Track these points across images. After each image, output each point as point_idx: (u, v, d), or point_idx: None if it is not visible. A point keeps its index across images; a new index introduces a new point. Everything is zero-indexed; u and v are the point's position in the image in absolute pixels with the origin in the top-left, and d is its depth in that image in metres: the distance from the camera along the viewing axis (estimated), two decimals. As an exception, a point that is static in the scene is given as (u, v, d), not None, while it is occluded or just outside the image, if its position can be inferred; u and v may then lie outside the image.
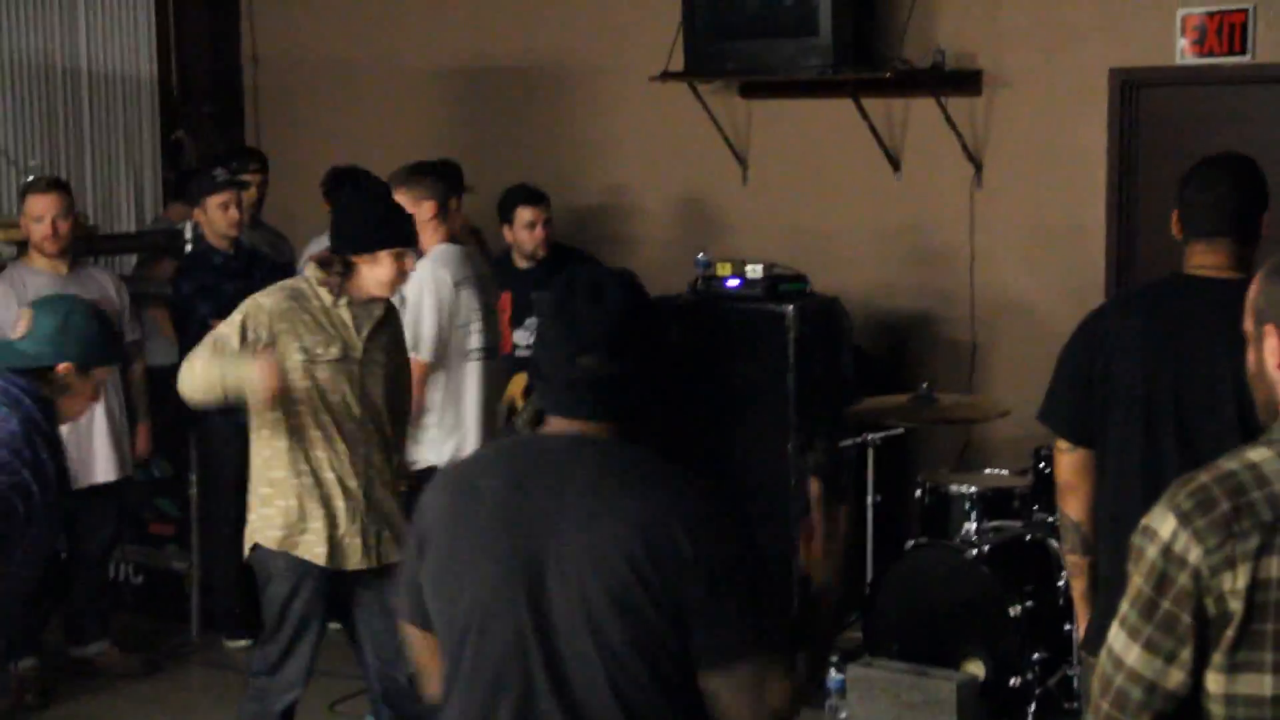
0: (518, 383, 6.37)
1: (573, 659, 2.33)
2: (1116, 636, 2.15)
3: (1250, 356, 2.26)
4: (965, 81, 6.59)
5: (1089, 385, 3.65)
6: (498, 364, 5.96)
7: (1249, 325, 2.26)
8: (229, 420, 6.35)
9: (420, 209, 5.52)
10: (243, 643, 6.38)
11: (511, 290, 6.41)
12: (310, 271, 4.67)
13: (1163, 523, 2.13)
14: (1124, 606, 2.16)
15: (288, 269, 7.11)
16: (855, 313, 6.54)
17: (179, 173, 7.98)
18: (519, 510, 2.38)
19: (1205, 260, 3.59)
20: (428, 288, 5.52)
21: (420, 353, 5.46)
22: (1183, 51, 6.08)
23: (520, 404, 6.36)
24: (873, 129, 6.75)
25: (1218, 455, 2.20)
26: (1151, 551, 2.13)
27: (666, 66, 7.00)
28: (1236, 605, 2.08)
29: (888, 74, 6.54)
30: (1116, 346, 3.63)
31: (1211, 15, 6.00)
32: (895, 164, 6.85)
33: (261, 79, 8.71)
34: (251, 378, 4.46)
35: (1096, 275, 6.28)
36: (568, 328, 2.39)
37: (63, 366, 3.86)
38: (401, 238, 4.64)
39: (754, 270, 6.44)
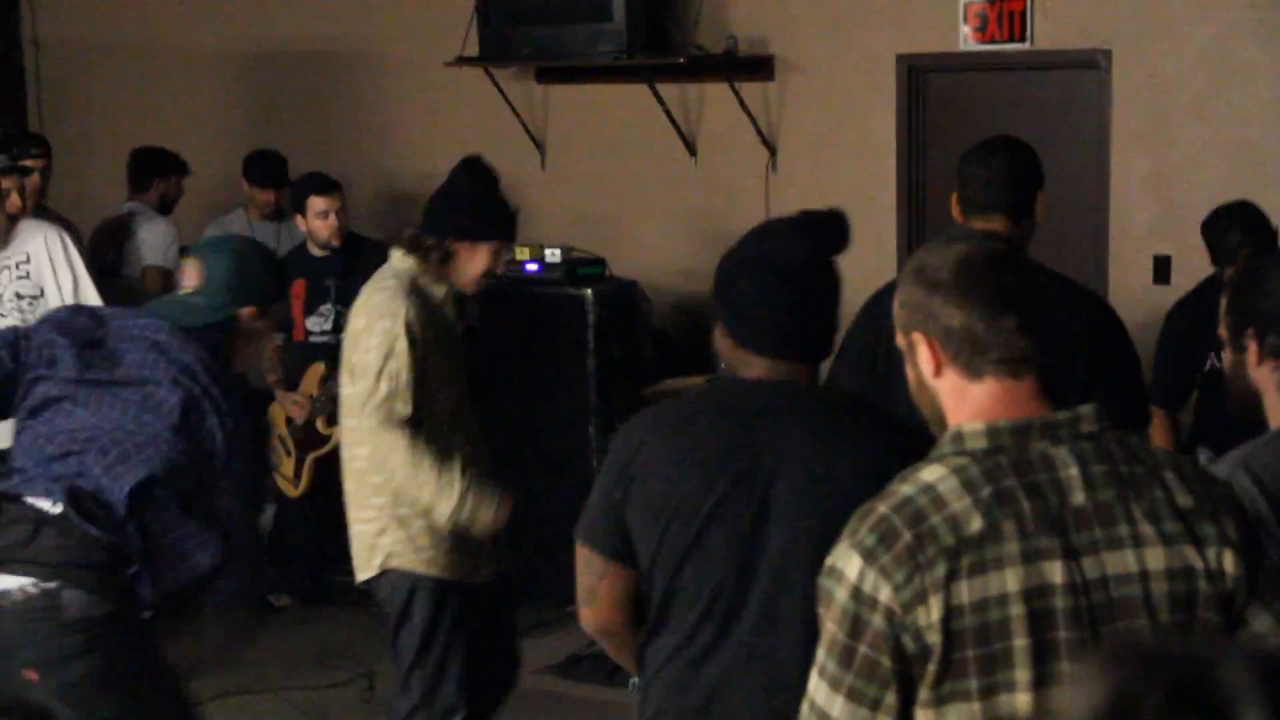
0: (314, 373, 6.30)
1: (784, 592, 2.55)
2: (818, 688, 2.02)
3: (909, 372, 2.15)
4: (758, 67, 6.70)
5: (873, 367, 3.64)
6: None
7: (899, 340, 2.16)
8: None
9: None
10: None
11: (305, 278, 6.34)
12: (407, 262, 4.20)
13: (848, 562, 2.00)
14: (820, 654, 2.02)
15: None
16: (655, 296, 6.61)
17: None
18: (743, 448, 2.58)
19: None
20: None
21: None
22: (966, 38, 6.26)
23: (316, 393, 6.30)
24: (668, 114, 6.82)
25: None
26: (840, 594, 1.99)
27: (461, 52, 6.98)
28: (935, 638, 1.96)
29: (681, 59, 6.61)
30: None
31: (992, 3, 6.19)
32: (691, 148, 6.93)
33: (44, 63, 8.47)
34: (484, 522, 4.13)
35: (888, 256, 6.43)
36: (804, 278, 2.68)
37: (246, 311, 3.53)
38: (510, 230, 4.38)
39: (552, 254, 6.46)
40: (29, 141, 7.04)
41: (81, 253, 6.00)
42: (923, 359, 2.10)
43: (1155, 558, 2.02)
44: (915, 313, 2.10)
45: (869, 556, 1.98)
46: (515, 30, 6.85)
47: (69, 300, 5.69)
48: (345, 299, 6.18)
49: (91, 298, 5.72)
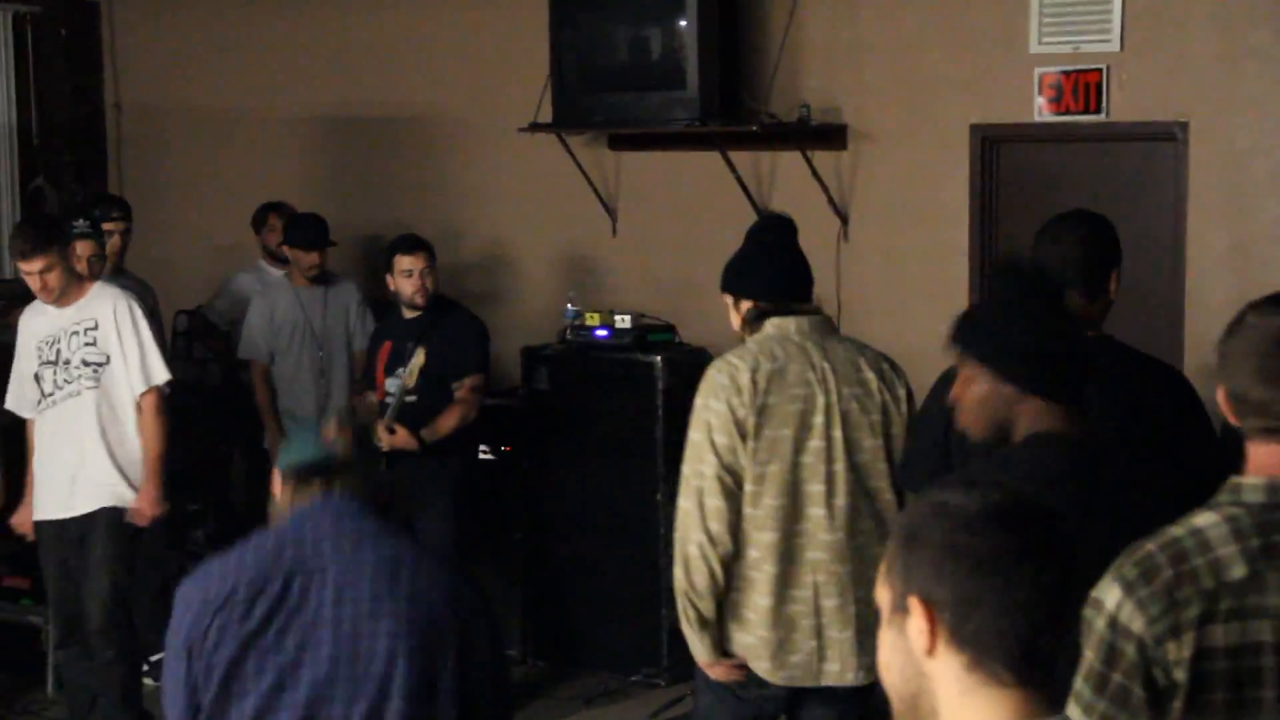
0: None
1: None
2: (1073, 711, 2.11)
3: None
4: (830, 135, 6.70)
5: (946, 442, 3.59)
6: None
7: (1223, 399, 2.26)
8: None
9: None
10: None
11: (392, 341, 6.34)
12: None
13: (1108, 593, 2.10)
14: (1078, 683, 2.11)
15: (150, 316, 7.01)
16: (723, 363, 6.57)
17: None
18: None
19: None
20: None
21: None
22: (1040, 109, 6.23)
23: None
24: (740, 181, 6.82)
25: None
26: (1099, 624, 2.09)
27: (535, 118, 7.02)
28: (1181, 675, 2.04)
29: (754, 127, 6.62)
30: None
31: (1067, 74, 6.15)
32: (762, 216, 6.92)
33: (125, 126, 8.60)
34: (709, 672, 3.94)
35: (959, 327, 6.38)
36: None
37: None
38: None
39: (622, 320, 6.47)
40: (110, 204, 7.14)
41: (150, 318, 6.07)
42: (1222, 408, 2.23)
43: None
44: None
45: (1129, 589, 2.09)
46: (589, 97, 6.88)
47: (134, 368, 5.70)
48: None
49: (155, 367, 5.75)
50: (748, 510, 3.85)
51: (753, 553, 3.85)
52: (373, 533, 2.70)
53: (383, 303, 7.69)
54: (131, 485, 5.65)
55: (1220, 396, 2.23)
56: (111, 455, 5.63)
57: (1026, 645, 1.63)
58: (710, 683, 3.94)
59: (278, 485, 2.81)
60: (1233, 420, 2.21)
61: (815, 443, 3.88)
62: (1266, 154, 5.91)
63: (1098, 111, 6.10)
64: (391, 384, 6.29)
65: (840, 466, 3.88)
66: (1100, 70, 6.09)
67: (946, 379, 3.64)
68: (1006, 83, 6.29)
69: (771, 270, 4.13)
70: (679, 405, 6.30)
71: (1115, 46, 6.07)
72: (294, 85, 8.07)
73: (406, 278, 6.32)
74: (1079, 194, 5.72)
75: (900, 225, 6.62)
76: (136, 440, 5.66)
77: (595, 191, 7.25)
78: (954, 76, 6.45)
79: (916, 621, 1.68)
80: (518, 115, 7.07)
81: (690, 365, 6.38)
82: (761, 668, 3.86)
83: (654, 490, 6.26)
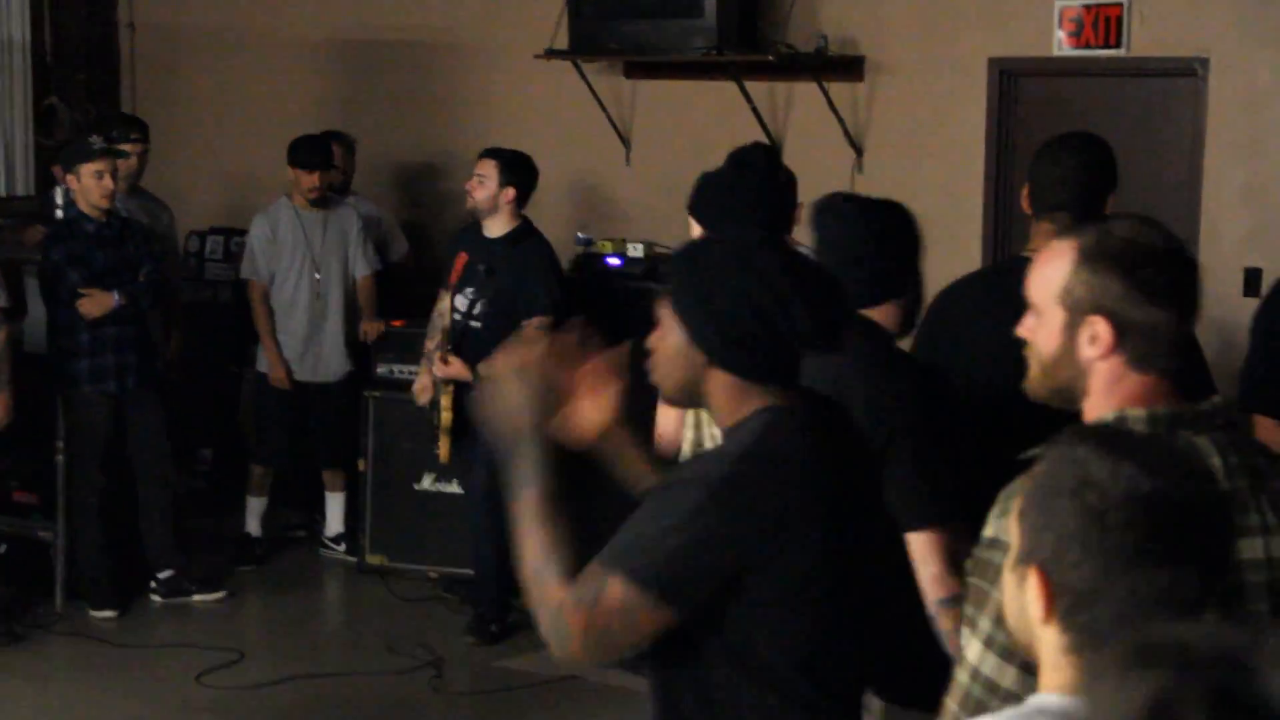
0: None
1: None
2: (984, 658, 2.09)
3: (1049, 343, 2.20)
4: (848, 67, 6.65)
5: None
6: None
7: (1054, 313, 2.20)
8: (97, 389, 6.26)
9: None
10: (108, 613, 6.28)
11: (468, 253, 6.19)
12: None
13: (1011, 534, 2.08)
14: (985, 625, 2.08)
15: (165, 238, 7.01)
16: (735, 294, 6.57)
17: (59, 140, 7.82)
18: None
19: (1043, 241, 3.40)
20: None
21: None
22: (1060, 43, 6.17)
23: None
24: (755, 111, 6.78)
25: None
26: (1001, 560, 2.01)
27: (551, 44, 6.98)
28: None
29: (771, 57, 6.57)
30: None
31: (1088, 8, 6.10)
32: (778, 147, 6.88)
33: (139, 46, 8.56)
34: None
35: (972, 260, 6.35)
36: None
37: None
38: None
39: (635, 249, 6.45)
40: (128, 125, 7.11)
41: (165, 238, 6.05)
42: (1089, 337, 2.16)
43: (1278, 546, 2.12)
44: (1105, 298, 2.15)
45: None
46: (605, 24, 6.84)
47: None
48: (487, 291, 6.08)
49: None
50: None
51: None
52: None
53: (411, 224, 7.68)
54: None
55: (1101, 325, 2.18)
56: None
57: None
58: None
59: None
60: (1105, 349, 2.17)
61: None
62: (1287, 92, 5.86)
63: (1118, 46, 6.05)
64: (460, 301, 6.16)
65: None
66: (1121, 4, 6.03)
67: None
68: (1026, 16, 6.24)
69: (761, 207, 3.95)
70: (689, 334, 6.30)
71: (1137, -19, 6.01)
72: (308, 6, 8.03)
73: (479, 184, 6.19)
74: (1097, 129, 5.61)
75: (916, 159, 6.59)
76: None
77: (610, 119, 7.22)
78: (973, 9, 6.39)
79: (1033, 589, 1.60)
80: (534, 41, 7.03)
81: (701, 295, 6.37)
82: None
83: (663, 419, 6.25)
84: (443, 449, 6.13)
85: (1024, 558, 1.62)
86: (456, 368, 6.00)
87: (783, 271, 2.37)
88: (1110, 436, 1.67)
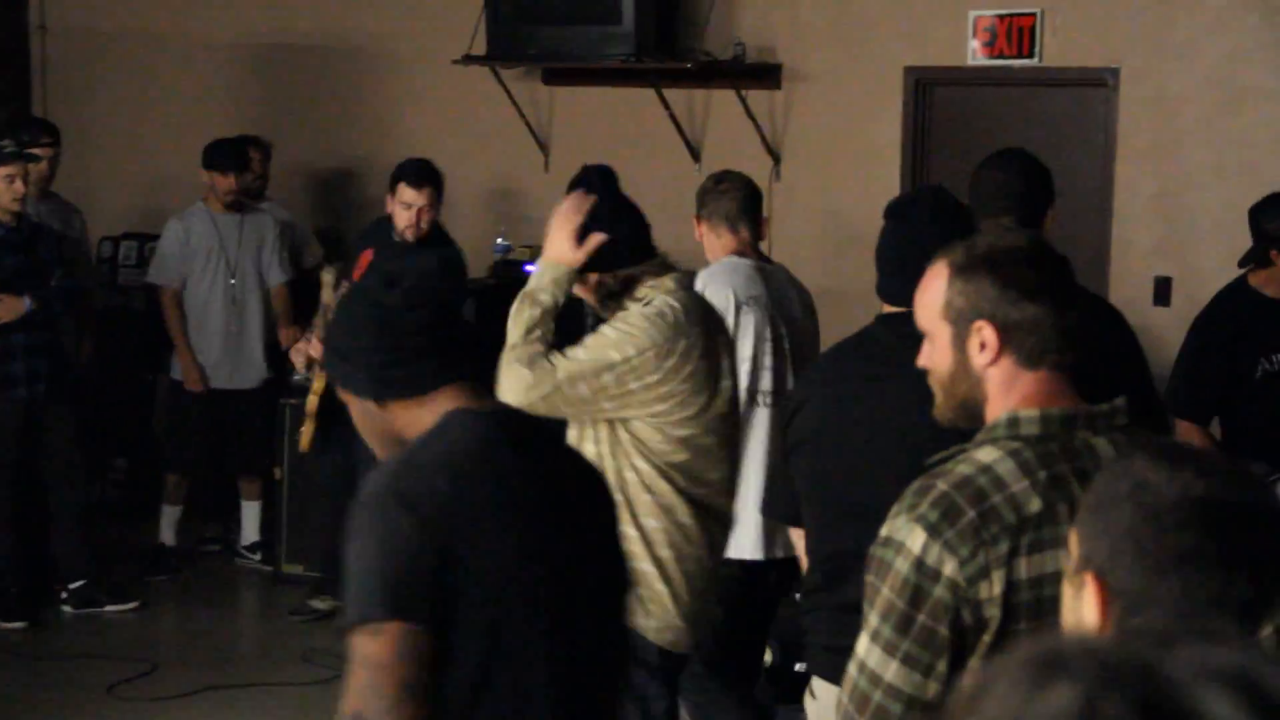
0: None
1: None
2: (870, 652, 2.12)
3: (941, 357, 2.22)
4: (765, 75, 6.68)
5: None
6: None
7: (939, 326, 2.22)
8: (7, 396, 6.17)
9: None
10: (17, 624, 6.19)
11: (376, 250, 6.08)
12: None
13: (910, 535, 2.09)
14: (874, 620, 2.11)
15: (77, 243, 6.92)
16: (653, 300, 6.57)
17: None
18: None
19: None
20: None
21: None
22: (974, 52, 6.24)
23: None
24: (674, 119, 6.80)
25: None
26: (901, 565, 2.09)
27: (469, 50, 6.96)
28: (994, 611, 2.07)
29: (689, 65, 6.59)
30: None
31: (1002, 18, 6.17)
32: (695, 154, 6.91)
33: (50, 49, 8.45)
34: None
35: (888, 269, 6.41)
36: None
37: None
38: None
39: (553, 256, 6.43)
40: (39, 128, 7.00)
41: (77, 243, 5.96)
42: (978, 345, 2.18)
43: None
44: (984, 301, 2.18)
45: (933, 531, 2.08)
46: (523, 30, 6.83)
47: None
48: None
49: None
50: None
51: None
52: None
53: (325, 230, 7.62)
54: None
55: (986, 329, 2.19)
56: None
57: None
58: None
59: None
60: (994, 352, 2.18)
61: None
62: (1195, 101, 5.95)
63: (1031, 56, 6.13)
64: None
65: None
66: (1034, 15, 6.10)
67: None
68: (941, 26, 6.30)
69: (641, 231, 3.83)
70: (608, 341, 6.31)
71: (1050, -9, 6.09)
72: (224, 10, 7.95)
73: (405, 210, 6.12)
74: (1010, 138, 5.73)
75: (832, 165, 6.63)
76: None
77: (528, 126, 7.21)
78: (889, 19, 6.45)
79: (1090, 595, 1.59)
80: (451, 47, 7.01)
81: (620, 302, 6.38)
82: None
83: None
84: (304, 436, 5.93)
85: (1080, 565, 1.61)
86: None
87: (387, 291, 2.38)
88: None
